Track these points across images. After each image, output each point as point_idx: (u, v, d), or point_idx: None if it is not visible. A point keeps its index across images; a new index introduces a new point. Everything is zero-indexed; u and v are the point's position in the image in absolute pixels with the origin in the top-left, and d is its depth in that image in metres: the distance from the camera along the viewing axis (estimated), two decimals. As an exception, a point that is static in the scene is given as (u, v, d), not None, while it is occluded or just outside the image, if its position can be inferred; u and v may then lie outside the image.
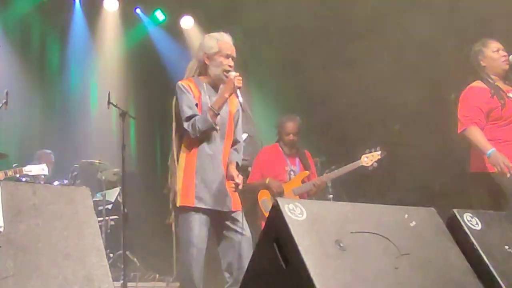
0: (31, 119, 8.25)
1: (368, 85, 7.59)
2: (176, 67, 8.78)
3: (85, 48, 9.00)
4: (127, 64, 9.12)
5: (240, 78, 4.29)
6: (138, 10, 9.35)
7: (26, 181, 6.19)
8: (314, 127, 7.88)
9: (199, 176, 4.28)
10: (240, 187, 4.38)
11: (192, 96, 4.37)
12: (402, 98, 7.32)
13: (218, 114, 4.29)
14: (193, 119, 4.28)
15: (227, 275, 4.30)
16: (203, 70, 4.53)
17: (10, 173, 5.88)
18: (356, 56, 7.49)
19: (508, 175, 4.45)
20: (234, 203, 4.34)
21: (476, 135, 4.64)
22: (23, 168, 6.01)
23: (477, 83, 4.83)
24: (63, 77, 8.85)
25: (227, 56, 4.45)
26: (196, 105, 4.37)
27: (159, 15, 9.35)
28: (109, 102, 6.40)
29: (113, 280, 2.11)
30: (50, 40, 8.94)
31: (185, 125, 4.29)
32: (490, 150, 4.50)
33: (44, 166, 6.15)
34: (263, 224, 5.36)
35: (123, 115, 6.24)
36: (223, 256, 4.31)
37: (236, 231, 4.33)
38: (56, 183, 6.87)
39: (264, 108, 8.50)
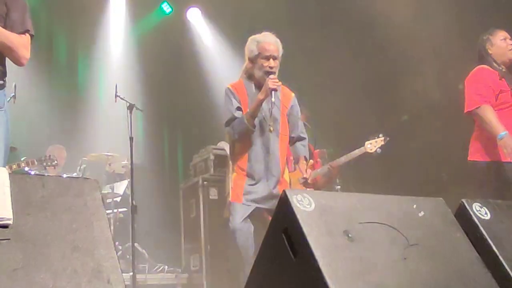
0: (39, 112, 8.26)
1: (378, 77, 7.58)
2: (183, 60, 8.80)
3: (93, 40, 9.01)
4: (135, 56, 9.13)
5: (276, 80, 4.40)
6: (145, 3, 9.36)
7: (35, 174, 6.20)
8: (322, 119, 7.87)
9: (249, 176, 4.48)
10: (309, 181, 4.53)
11: (238, 99, 4.52)
12: (410, 89, 7.32)
13: (255, 116, 4.40)
14: (232, 122, 4.39)
15: None
16: (250, 72, 4.62)
17: (20, 165, 5.88)
18: (365, 47, 7.48)
19: None
20: (308, 174, 4.60)
21: (489, 114, 4.61)
22: (33, 160, 6.00)
23: (485, 66, 4.83)
24: (71, 70, 8.87)
25: (267, 58, 4.53)
26: (239, 108, 4.52)
27: (166, 7, 9.35)
28: (116, 95, 6.41)
29: (122, 272, 2.11)
30: (57, 31, 8.95)
31: (226, 129, 4.49)
32: (504, 132, 4.48)
33: (53, 158, 6.14)
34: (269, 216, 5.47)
35: (130, 107, 6.26)
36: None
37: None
38: (65, 175, 6.88)
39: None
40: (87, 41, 8.99)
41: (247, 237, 4.38)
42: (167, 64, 9.01)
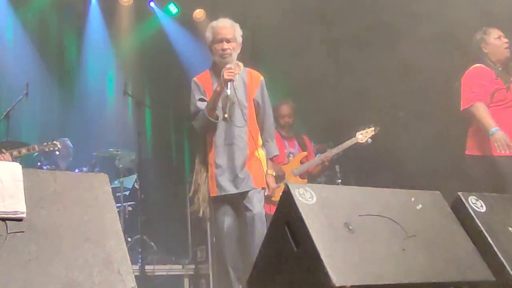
0: (50, 110, 8.27)
1: (376, 74, 7.57)
2: (189, 58, 8.80)
3: (102, 40, 9.00)
4: (143, 55, 9.12)
5: (231, 70, 4.24)
6: (152, 4, 9.34)
7: (47, 168, 6.21)
8: (322, 115, 7.88)
9: (218, 162, 4.36)
10: (273, 198, 4.51)
11: (203, 90, 4.42)
12: (406, 86, 7.30)
13: (215, 108, 4.31)
14: (196, 116, 4.35)
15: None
16: (213, 60, 4.56)
17: (23, 151, 5.79)
18: (367, 47, 7.47)
19: (508, 152, 4.45)
20: (254, 182, 4.36)
21: (482, 111, 4.62)
22: (35, 145, 5.93)
23: (481, 65, 4.82)
24: (81, 69, 8.86)
25: (220, 40, 4.41)
26: (202, 99, 4.41)
27: (172, 8, 9.34)
28: (125, 92, 6.41)
29: (132, 263, 2.12)
30: (67, 33, 8.94)
31: (192, 123, 4.39)
32: (495, 128, 4.49)
33: (56, 143, 6.07)
34: (266, 207, 5.49)
35: (138, 104, 6.26)
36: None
37: (249, 208, 4.35)
38: (76, 170, 6.90)
39: (274, 95, 8.50)
40: (97, 42, 8.99)
41: (232, 237, 4.35)
42: (174, 63, 9.00)
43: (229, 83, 4.22)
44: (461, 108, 4.75)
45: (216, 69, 4.47)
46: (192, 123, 4.44)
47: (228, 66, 4.27)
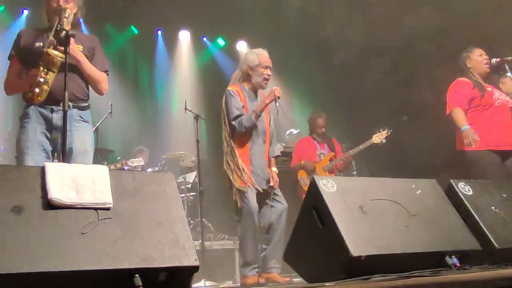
0: (129, 123, 8.40)
1: (384, 87, 7.51)
2: (235, 81, 8.82)
3: (167, 68, 9.12)
4: (198, 79, 9.20)
5: (280, 90, 4.27)
6: (204, 39, 9.44)
7: (128, 169, 6.31)
8: (342, 120, 7.85)
9: (252, 163, 4.30)
10: (275, 186, 4.35)
11: (239, 99, 4.38)
12: (410, 95, 7.22)
13: (260, 115, 4.29)
14: (239, 118, 4.29)
15: (265, 234, 4.28)
16: (245, 78, 4.52)
17: (118, 165, 6.00)
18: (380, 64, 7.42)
19: (473, 146, 4.39)
20: (275, 182, 4.33)
21: (458, 114, 4.62)
22: (127, 161, 6.11)
23: (463, 78, 4.80)
24: (152, 91, 8.99)
25: (266, 67, 4.42)
26: (243, 107, 4.37)
27: (220, 42, 9.43)
28: (185, 108, 6.46)
29: (194, 240, 2.14)
30: (141, 64, 9.09)
31: (233, 122, 4.29)
32: (465, 126, 4.50)
33: (141, 159, 6.24)
34: (303, 195, 5.43)
35: (196, 117, 6.30)
36: (265, 219, 4.26)
37: (279, 202, 4.33)
38: (149, 170, 6.98)
39: (301, 107, 8.48)
40: (163, 69, 9.09)
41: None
42: (223, 85, 9.02)
43: (277, 98, 4.24)
44: (446, 113, 4.74)
45: (251, 86, 4.47)
46: (233, 123, 4.31)
47: (278, 88, 4.27)
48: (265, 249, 4.23)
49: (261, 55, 4.45)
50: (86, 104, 3.54)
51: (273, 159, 4.50)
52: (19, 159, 3.27)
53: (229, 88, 4.47)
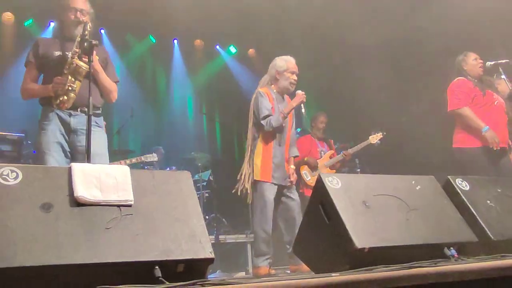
0: (148, 126, 8.43)
1: (383, 89, 7.47)
2: (246, 86, 8.83)
3: (183, 74, 9.14)
4: (212, 84, 9.22)
5: (305, 94, 4.38)
6: (217, 46, 9.45)
7: (147, 168, 6.33)
8: (344, 122, 7.82)
9: (274, 160, 4.36)
10: (294, 182, 4.48)
11: (268, 100, 4.44)
12: (408, 98, 7.18)
13: (286, 117, 4.36)
14: (268, 118, 4.34)
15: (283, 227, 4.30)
16: (273, 82, 4.58)
17: (134, 160, 6.02)
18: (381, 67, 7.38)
19: (495, 148, 4.36)
20: (294, 178, 4.47)
21: (471, 114, 4.56)
22: (141, 157, 6.13)
23: (462, 77, 4.77)
24: (169, 95, 9.02)
25: (293, 73, 4.51)
26: (272, 108, 4.44)
27: (232, 49, 9.44)
28: (200, 112, 6.49)
29: (209, 235, 2.14)
30: (158, 71, 9.12)
31: (263, 121, 4.35)
32: (486, 127, 4.43)
33: (155, 155, 6.24)
34: (305, 189, 5.48)
35: (211, 120, 6.31)
36: (290, 211, 4.35)
37: (293, 198, 4.38)
38: (167, 169, 7.01)
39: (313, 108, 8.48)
40: (179, 75, 9.12)
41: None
42: (235, 90, 9.05)
43: (302, 103, 4.41)
44: (448, 109, 4.70)
45: (278, 89, 4.53)
46: (263, 121, 4.35)
47: (303, 92, 4.38)
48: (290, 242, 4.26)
49: (289, 62, 4.56)
50: (99, 111, 3.64)
51: (291, 158, 4.59)
52: (42, 159, 3.34)
53: (259, 89, 4.56)
